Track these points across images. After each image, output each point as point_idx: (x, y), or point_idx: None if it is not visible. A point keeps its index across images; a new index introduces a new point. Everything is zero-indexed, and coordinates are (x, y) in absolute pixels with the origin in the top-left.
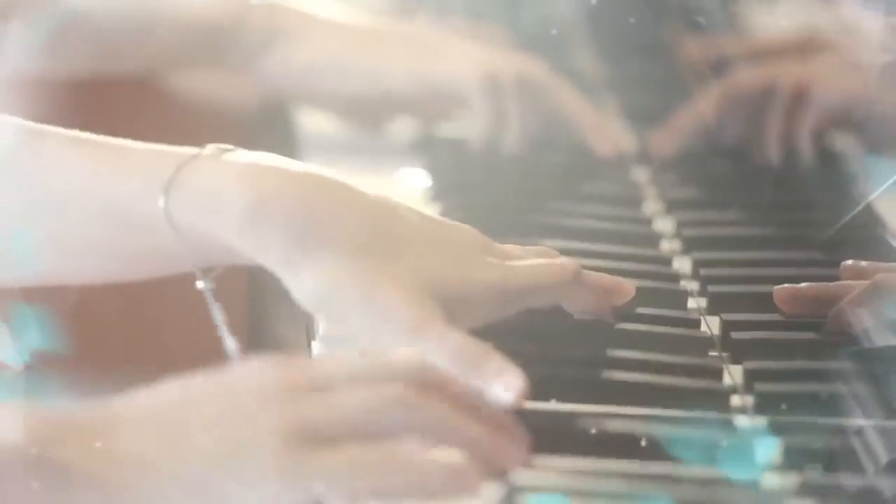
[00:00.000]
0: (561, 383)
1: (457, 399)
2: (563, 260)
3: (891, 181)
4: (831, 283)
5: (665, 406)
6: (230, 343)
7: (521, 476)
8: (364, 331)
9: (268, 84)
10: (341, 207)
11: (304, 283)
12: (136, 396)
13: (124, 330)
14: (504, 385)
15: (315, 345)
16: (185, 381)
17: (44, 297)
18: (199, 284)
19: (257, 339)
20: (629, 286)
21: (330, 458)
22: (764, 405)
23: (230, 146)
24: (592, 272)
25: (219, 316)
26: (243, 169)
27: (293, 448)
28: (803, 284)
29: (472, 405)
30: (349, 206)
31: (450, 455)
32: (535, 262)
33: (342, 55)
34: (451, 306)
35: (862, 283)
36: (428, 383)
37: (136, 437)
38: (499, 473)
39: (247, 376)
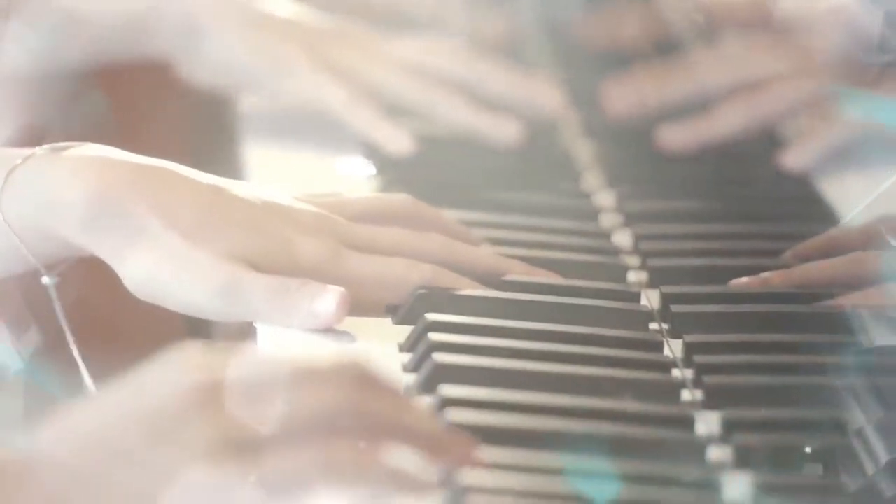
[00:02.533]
0: (492, 369)
1: (398, 399)
2: (422, 268)
3: (890, 182)
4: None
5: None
6: (70, 342)
7: (468, 476)
8: (182, 304)
9: (192, 76)
10: (167, 195)
11: (129, 270)
12: (59, 429)
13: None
14: (326, 299)
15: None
16: (104, 400)
17: (42, 298)
18: (45, 280)
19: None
20: (508, 266)
21: (267, 467)
22: (704, 378)
23: (69, 143)
24: (451, 272)
25: (60, 313)
26: (74, 165)
27: (224, 461)
28: (760, 276)
29: (415, 405)
30: (175, 194)
31: (396, 455)
32: (384, 262)
33: (251, 55)
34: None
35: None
36: (369, 382)
37: (57, 481)
38: (448, 471)
39: (168, 387)
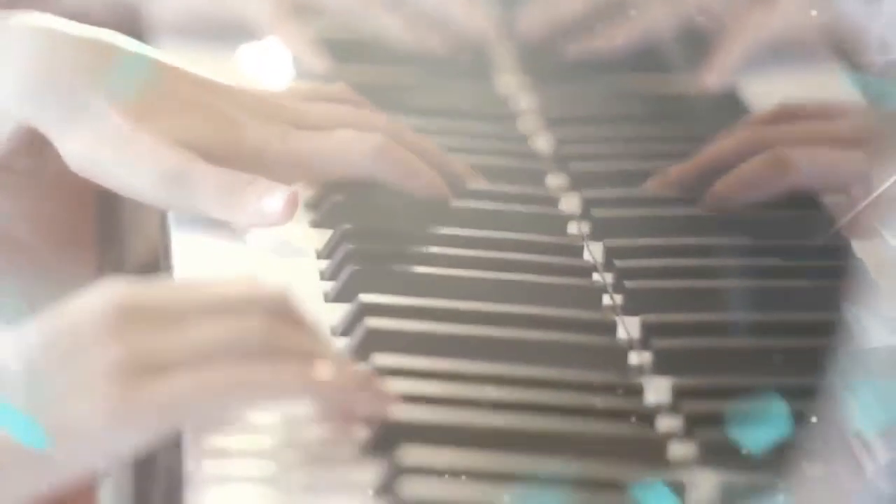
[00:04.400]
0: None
1: (314, 335)
2: (370, 136)
3: (884, 186)
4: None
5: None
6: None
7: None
8: (124, 186)
9: None
10: (111, 69)
11: (70, 145)
12: None
13: None
14: (273, 198)
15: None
16: (28, 326)
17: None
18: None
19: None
20: (466, 167)
21: (170, 386)
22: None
23: (11, 10)
24: (408, 153)
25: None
26: (16, 35)
27: (125, 382)
28: (683, 165)
29: (330, 344)
30: (119, 69)
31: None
32: (332, 135)
33: None
34: (233, 165)
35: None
36: (286, 315)
37: None
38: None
39: (84, 312)
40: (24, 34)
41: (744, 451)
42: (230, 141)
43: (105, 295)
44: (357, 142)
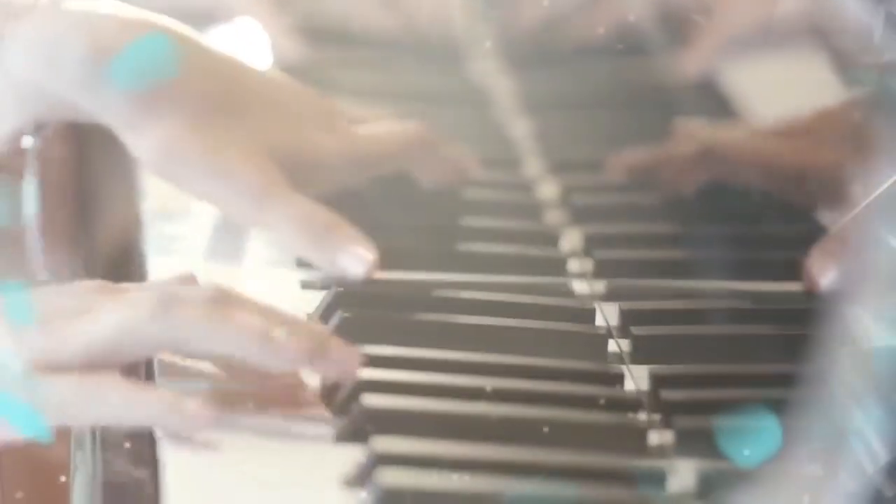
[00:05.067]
0: (411, 252)
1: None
2: (411, 125)
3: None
4: (663, 147)
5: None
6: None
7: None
8: (206, 195)
9: None
10: (186, 64)
11: (146, 143)
12: None
13: None
14: (354, 256)
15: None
16: None
17: None
18: (26, 141)
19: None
20: (472, 159)
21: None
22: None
23: None
24: (440, 138)
25: (32, 180)
26: (82, 18)
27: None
28: (635, 150)
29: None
30: (195, 63)
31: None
32: (382, 127)
33: None
34: (296, 172)
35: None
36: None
37: None
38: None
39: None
40: (86, 17)
41: (722, 443)
42: (304, 141)
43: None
44: (405, 132)
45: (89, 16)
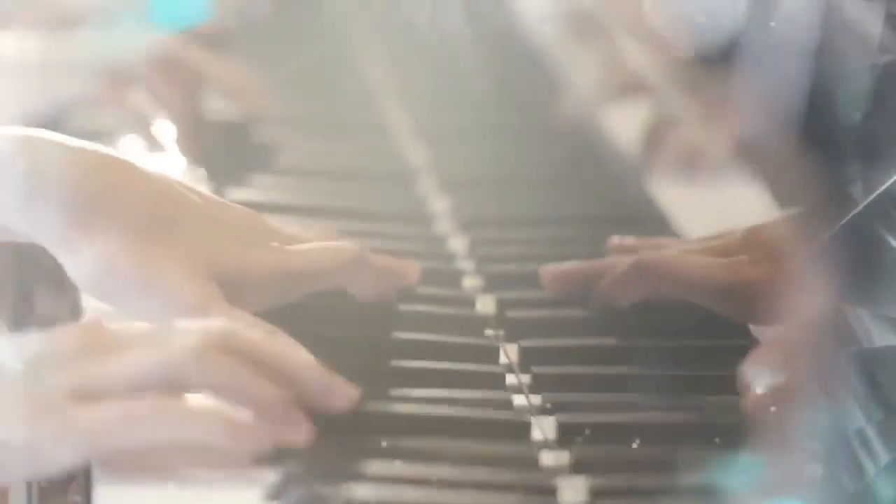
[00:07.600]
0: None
1: (257, 364)
2: (345, 243)
3: (884, 186)
4: (596, 261)
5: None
6: None
7: (298, 462)
8: (143, 312)
9: None
10: (120, 185)
11: (80, 263)
12: None
13: None
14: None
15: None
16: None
17: None
18: None
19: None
20: (414, 267)
21: (99, 412)
22: (539, 384)
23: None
24: (376, 255)
25: None
26: (18, 143)
27: (69, 406)
28: (568, 263)
29: (275, 371)
30: (128, 184)
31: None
32: (315, 246)
33: None
34: (232, 289)
35: (624, 261)
36: (228, 346)
37: None
38: (280, 442)
39: (47, 344)
40: (19, 144)
41: None
42: (239, 259)
43: (61, 338)
44: (339, 251)
45: (25, 140)
